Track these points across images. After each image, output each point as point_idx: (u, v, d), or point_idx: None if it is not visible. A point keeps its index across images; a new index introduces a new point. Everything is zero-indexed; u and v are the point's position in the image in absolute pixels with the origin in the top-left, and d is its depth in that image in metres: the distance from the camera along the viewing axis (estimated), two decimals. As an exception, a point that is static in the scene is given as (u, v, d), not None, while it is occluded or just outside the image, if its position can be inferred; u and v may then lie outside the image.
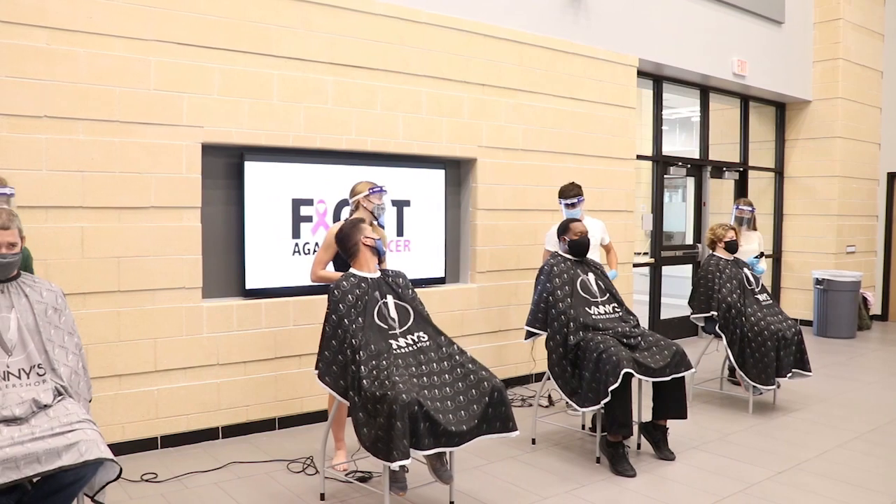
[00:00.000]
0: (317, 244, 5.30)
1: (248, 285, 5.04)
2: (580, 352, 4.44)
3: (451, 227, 6.25)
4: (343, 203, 5.38)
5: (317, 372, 3.64)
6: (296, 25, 5.08)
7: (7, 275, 3.04)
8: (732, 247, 5.93)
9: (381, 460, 3.25)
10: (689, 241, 9.31)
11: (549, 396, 5.87)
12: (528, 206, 6.50)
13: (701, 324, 6.00)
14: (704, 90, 8.97)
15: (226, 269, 5.04)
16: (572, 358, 4.49)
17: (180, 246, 4.68)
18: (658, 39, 7.66)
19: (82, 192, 4.32)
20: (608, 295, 4.79)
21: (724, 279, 5.74)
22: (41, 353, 3.01)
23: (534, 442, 4.88)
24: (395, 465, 3.18)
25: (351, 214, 4.45)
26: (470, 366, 3.64)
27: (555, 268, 4.72)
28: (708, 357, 6.36)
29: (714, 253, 6.00)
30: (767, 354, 5.38)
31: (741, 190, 9.75)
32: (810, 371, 5.64)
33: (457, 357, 3.69)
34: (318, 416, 5.24)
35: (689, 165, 9.06)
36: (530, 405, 5.63)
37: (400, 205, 5.76)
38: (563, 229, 4.86)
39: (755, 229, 6.74)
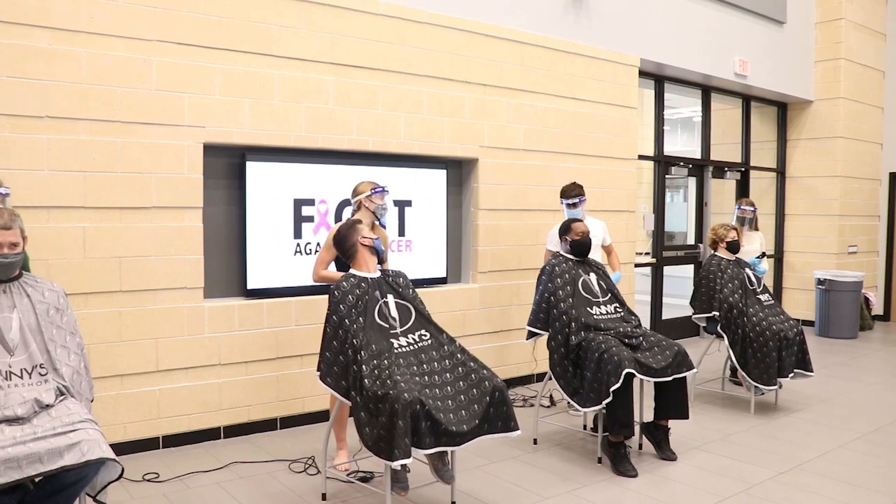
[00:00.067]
0: (318, 244, 5.30)
1: (250, 285, 5.04)
2: (582, 352, 4.44)
3: (453, 227, 6.25)
4: (345, 203, 5.38)
5: (318, 373, 3.64)
6: (297, 25, 5.08)
7: (9, 275, 3.04)
8: (734, 247, 5.93)
9: (383, 460, 3.25)
10: (691, 241, 9.30)
11: (551, 396, 5.87)
12: (529, 206, 6.50)
13: (702, 324, 5.99)
14: (706, 90, 8.97)
15: (227, 269, 5.05)
16: (574, 358, 4.48)
17: (182, 246, 4.68)
18: (659, 39, 7.66)
19: (84, 193, 4.33)
20: (610, 295, 4.78)
21: (725, 279, 5.73)
22: (43, 353, 3.01)
23: (535, 442, 4.88)
24: (397, 464, 3.18)
25: (353, 214, 4.45)
26: (471, 364, 3.64)
27: (556, 268, 4.72)
28: (709, 357, 6.36)
29: (716, 253, 5.99)
30: (769, 355, 5.38)
31: (743, 190, 9.74)
32: (812, 371, 5.63)
33: (458, 356, 3.70)
34: (320, 417, 5.24)
35: (690, 165, 9.05)
36: (532, 405, 5.63)
37: (401, 205, 5.76)
38: (565, 229, 4.85)
39: (757, 229, 6.74)
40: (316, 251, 5.28)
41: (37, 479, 2.74)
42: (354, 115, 5.38)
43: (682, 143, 11.46)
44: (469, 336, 6.05)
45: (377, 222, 4.44)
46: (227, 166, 5.01)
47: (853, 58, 9.77)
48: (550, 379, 4.62)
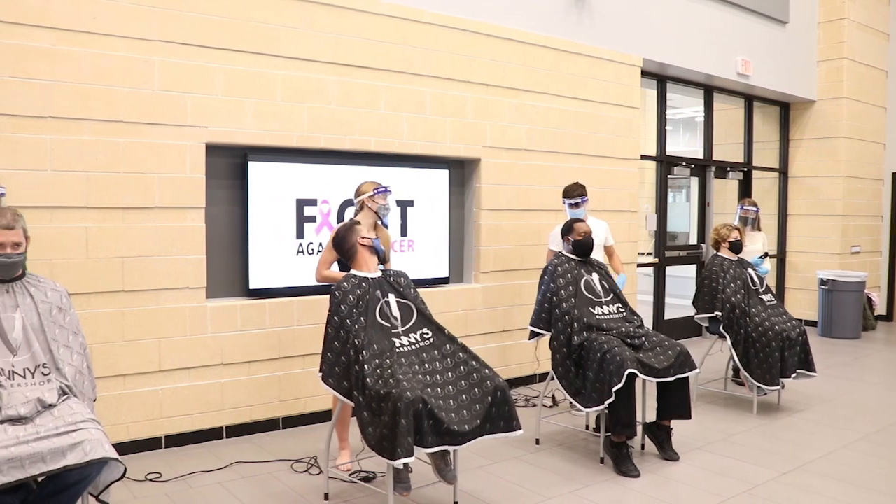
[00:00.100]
0: (320, 244, 5.30)
1: (252, 285, 5.05)
2: (584, 352, 4.43)
3: (455, 228, 6.25)
4: (347, 203, 5.38)
5: (320, 374, 3.64)
6: (299, 25, 5.08)
7: (12, 274, 3.05)
8: (737, 247, 5.92)
9: (386, 459, 3.26)
10: (693, 241, 9.30)
11: (553, 397, 5.87)
12: (531, 206, 6.50)
13: (705, 324, 5.99)
14: (708, 90, 8.96)
15: (230, 269, 5.05)
16: (576, 358, 4.48)
17: (184, 246, 4.68)
18: (662, 39, 7.65)
19: (87, 193, 4.33)
20: (612, 295, 4.78)
21: (728, 279, 5.73)
22: (46, 353, 3.02)
23: (538, 442, 4.88)
24: (400, 463, 3.18)
25: (355, 214, 4.46)
26: (473, 364, 3.64)
27: (559, 268, 4.72)
28: (712, 357, 6.35)
29: (718, 253, 5.99)
30: (772, 355, 5.37)
31: (745, 190, 9.73)
32: (815, 371, 5.63)
33: (460, 355, 3.70)
34: (322, 416, 5.25)
35: (692, 165, 9.04)
36: (534, 405, 5.62)
37: (404, 205, 5.76)
38: (567, 229, 4.85)
39: (759, 230, 6.73)
40: (318, 251, 5.28)
41: (40, 479, 2.75)
42: (357, 115, 5.38)
43: (685, 143, 11.45)
44: (471, 336, 6.05)
45: (379, 222, 4.45)
46: (230, 166, 5.02)
47: (856, 57, 9.75)
48: (553, 379, 4.63)
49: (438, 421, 3.30)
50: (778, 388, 5.51)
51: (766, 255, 6.50)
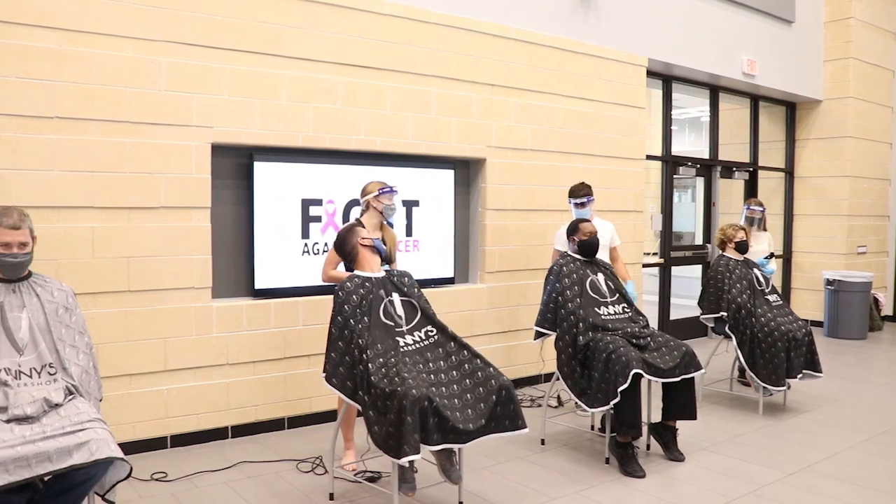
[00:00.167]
0: (326, 244, 5.30)
1: (258, 285, 5.05)
2: (589, 352, 4.43)
3: (461, 227, 6.25)
4: (352, 203, 5.39)
5: (324, 374, 3.65)
6: (304, 26, 5.09)
7: (18, 274, 3.06)
8: (743, 247, 5.91)
9: (392, 457, 3.26)
10: (699, 241, 9.28)
11: (559, 397, 5.87)
12: (537, 206, 6.49)
13: (711, 324, 5.97)
14: (714, 90, 8.94)
15: (235, 269, 5.06)
16: (581, 358, 4.48)
17: (190, 246, 4.69)
18: (667, 39, 7.64)
19: (93, 193, 4.34)
20: (618, 295, 4.77)
21: (733, 280, 5.72)
22: (52, 353, 3.03)
23: (543, 442, 4.88)
24: (406, 461, 3.18)
25: (361, 214, 4.47)
26: (477, 362, 3.64)
27: (564, 268, 4.71)
28: (718, 358, 6.34)
29: (724, 253, 5.98)
30: (778, 355, 5.36)
31: (751, 190, 9.71)
32: (821, 372, 5.61)
33: (464, 353, 3.70)
34: (327, 416, 5.25)
35: (698, 165, 9.03)
36: (539, 406, 5.62)
37: (409, 205, 5.76)
38: (573, 229, 4.85)
39: (765, 230, 6.71)
40: (324, 251, 5.29)
41: (46, 478, 2.75)
42: (362, 115, 5.38)
43: (690, 143, 11.43)
44: (477, 336, 6.05)
45: (385, 222, 4.45)
46: (235, 166, 5.02)
47: (862, 57, 9.72)
48: (558, 379, 4.62)
49: (444, 419, 3.30)
50: (784, 388, 5.50)
51: (771, 255, 6.49)
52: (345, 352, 3.60)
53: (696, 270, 9.09)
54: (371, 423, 3.42)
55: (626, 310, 4.73)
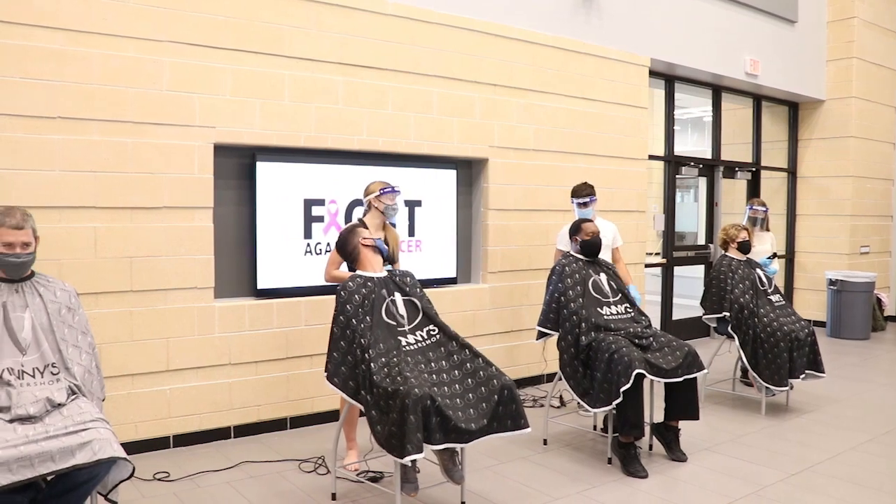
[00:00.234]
0: (328, 244, 5.30)
1: (260, 285, 5.05)
2: (592, 352, 4.43)
3: (463, 228, 6.25)
4: (355, 203, 5.39)
5: (326, 374, 3.65)
6: (306, 25, 5.09)
7: (21, 274, 3.06)
8: (745, 247, 5.90)
9: (395, 457, 3.26)
10: (701, 241, 9.27)
11: (561, 397, 5.86)
12: (539, 206, 6.49)
13: (713, 324, 5.97)
14: (717, 90, 8.93)
15: (238, 269, 5.06)
16: (584, 358, 4.48)
17: (192, 246, 4.69)
18: (670, 39, 7.64)
19: (95, 193, 4.35)
20: (620, 295, 4.77)
21: (736, 280, 5.71)
22: (55, 353, 3.03)
23: (545, 442, 4.87)
24: (409, 460, 3.18)
25: (364, 214, 4.47)
26: (479, 362, 3.65)
27: (566, 268, 4.71)
28: (720, 358, 6.33)
29: (726, 253, 5.97)
30: (780, 355, 5.35)
31: (754, 190, 9.70)
32: (824, 372, 5.60)
33: (466, 352, 3.70)
34: (330, 416, 5.25)
35: (701, 165, 9.02)
36: (542, 406, 5.62)
37: (411, 205, 5.76)
38: (575, 229, 4.84)
39: (768, 230, 6.70)
40: (326, 251, 5.29)
41: (49, 478, 2.76)
42: (364, 115, 5.38)
43: (693, 143, 11.43)
44: (479, 336, 6.05)
45: (388, 222, 4.45)
46: (238, 166, 5.03)
47: (865, 57, 9.70)
48: (560, 379, 4.62)
49: (446, 418, 3.31)
50: (786, 388, 5.49)
51: (774, 255, 6.48)
52: (347, 351, 3.60)
53: (699, 270, 9.08)
54: (374, 423, 3.42)
55: (628, 310, 4.73)
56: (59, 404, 2.90)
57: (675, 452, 4.59)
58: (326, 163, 5.32)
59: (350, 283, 3.72)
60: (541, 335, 4.78)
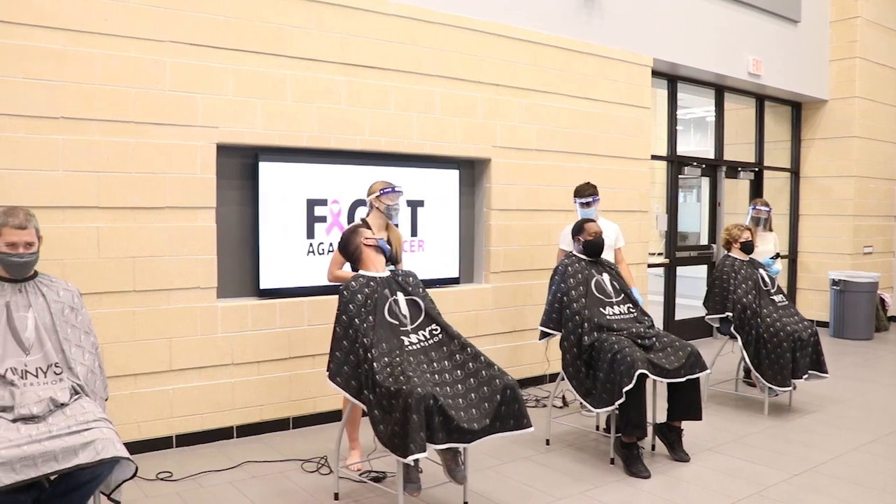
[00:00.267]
0: (331, 244, 5.30)
1: (263, 285, 5.06)
2: (594, 352, 4.42)
3: (465, 228, 6.25)
4: (357, 203, 5.39)
5: (328, 373, 3.65)
6: (308, 26, 5.09)
7: (24, 274, 3.07)
8: (748, 247, 5.90)
9: (398, 456, 3.26)
10: (704, 241, 9.27)
11: (564, 397, 5.86)
12: (542, 206, 6.49)
13: (716, 325, 5.96)
14: (719, 90, 8.93)
15: (240, 269, 5.06)
16: (586, 358, 4.47)
17: (195, 246, 4.70)
18: (673, 39, 7.63)
19: (98, 193, 4.35)
20: (623, 295, 4.77)
21: (739, 280, 5.70)
22: (58, 352, 3.04)
23: (548, 443, 4.87)
24: (412, 459, 3.18)
25: (367, 214, 4.48)
26: (482, 360, 3.65)
27: (569, 268, 4.71)
28: (723, 358, 6.33)
29: (729, 253, 5.96)
30: (783, 356, 5.34)
31: (756, 190, 9.69)
32: (827, 372, 5.59)
33: (468, 350, 3.70)
34: (332, 416, 5.25)
35: (703, 165, 9.01)
36: (544, 406, 5.61)
37: (414, 205, 5.76)
38: (578, 229, 4.84)
39: (771, 230, 6.70)
40: (329, 251, 5.29)
41: (52, 478, 2.76)
42: (366, 115, 5.38)
43: (696, 143, 11.42)
44: (482, 336, 6.05)
45: (390, 222, 4.46)
46: (240, 166, 5.03)
47: (868, 56, 9.69)
48: (563, 379, 4.62)
49: (448, 418, 3.31)
50: (789, 389, 5.48)
51: (777, 255, 6.47)
52: (349, 351, 3.60)
53: (702, 271, 9.08)
54: (376, 423, 3.42)
55: (631, 310, 4.72)
56: (63, 404, 2.91)
57: (677, 453, 4.58)
58: (329, 163, 5.32)
59: (353, 283, 3.72)
60: (543, 335, 4.77)
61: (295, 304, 5.11)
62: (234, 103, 4.80)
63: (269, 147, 5.02)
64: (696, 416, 4.55)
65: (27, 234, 3.00)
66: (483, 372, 3.59)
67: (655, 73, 7.63)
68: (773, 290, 5.82)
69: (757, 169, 9.63)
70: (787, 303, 5.83)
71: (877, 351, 8.38)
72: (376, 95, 5.43)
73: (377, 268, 3.88)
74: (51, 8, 4.17)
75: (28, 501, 2.75)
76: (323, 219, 5.31)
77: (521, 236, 6.37)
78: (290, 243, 5.17)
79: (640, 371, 4.14)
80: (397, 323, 3.72)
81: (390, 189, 4.39)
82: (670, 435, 4.63)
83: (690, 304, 8.48)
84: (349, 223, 5.24)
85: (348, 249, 3.95)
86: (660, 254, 8.46)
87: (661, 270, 8.44)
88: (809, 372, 5.48)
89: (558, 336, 4.67)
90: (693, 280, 9.05)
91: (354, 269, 4.01)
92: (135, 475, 2.88)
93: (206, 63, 4.69)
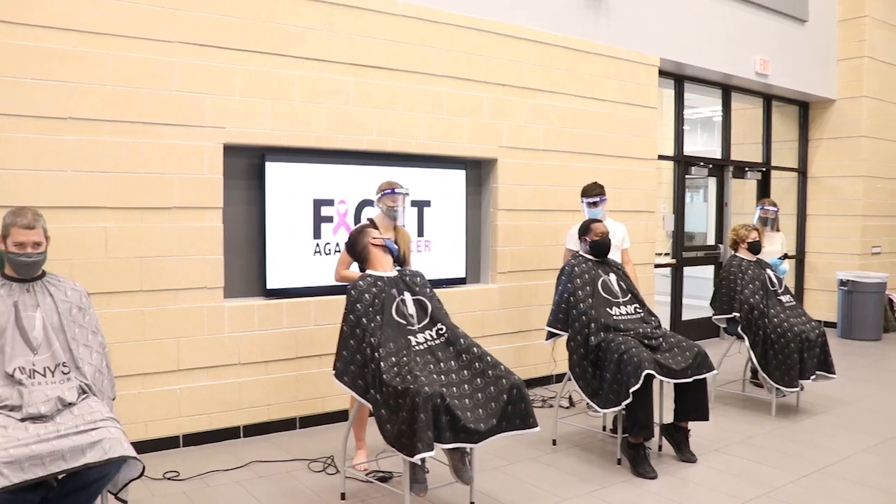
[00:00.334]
0: (338, 245, 5.31)
1: (270, 285, 5.06)
2: (601, 353, 4.42)
3: (472, 228, 6.25)
4: (364, 203, 5.40)
5: (334, 372, 3.65)
6: (316, 26, 5.10)
7: (32, 274, 3.08)
8: (755, 248, 5.88)
9: (406, 455, 3.26)
10: (711, 241, 9.25)
11: (570, 397, 5.85)
12: (548, 206, 6.48)
13: (723, 325, 5.94)
14: (726, 89, 8.90)
15: (247, 269, 5.07)
16: (593, 359, 4.47)
17: (202, 246, 4.71)
18: (679, 39, 7.61)
19: (106, 193, 4.37)
20: (630, 295, 4.76)
21: (746, 280, 5.69)
22: (66, 352, 3.05)
23: (554, 443, 4.87)
24: (419, 458, 3.18)
25: (377, 215, 4.49)
26: (489, 360, 3.64)
27: (576, 268, 4.71)
28: (730, 359, 6.31)
29: (736, 254, 5.95)
30: (790, 356, 5.32)
31: (764, 190, 9.66)
32: (834, 373, 5.57)
33: (475, 350, 3.69)
34: (339, 416, 5.26)
35: (710, 165, 8.99)
36: (551, 406, 5.61)
37: (420, 205, 5.76)
38: (585, 230, 4.84)
39: (778, 230, 6.67)
40: (335, 252, 5.30)
41: (60, 477, 2.77)
42: (374, 115, 5.39)
43: (703, 143, 11.39)
44: (488, 336, 6.04)
45: (395, 222, 4.46)
46: (248, 167, 5.04)
47: (877, 55, 9.64)
48: (570, 380, 4.61)
49: (455, 418, 3.31)
50: (797, 389, 5.47)
51: (785, 255, 6.45)
52: (356, 350, 3.61)
53: (709, 271, 9.06)
54: (383, 422, 3.43)
55: (638, 310, 4.72)
56: (70, 403, 2.92)
57: (684, 453, 4.58)
58: (336, 163, 5.32)
59: (360, 283, 3.72)
60: (550, 335, 4.77)
61: (302, 304, 5.12)
62: (242, 104, 4.81)
63: (277, 147, 5.03)
64: (703, 416, 4.54)
65: (35, 233, 3.01)
66: (490, 372, 3.58)
67: (662, 73, 7.62)
68: (780, 291, 5.80)
69: (764, 169, 9.60)
70: (794, 303, 5.82)
71: (885, 352, 8.34)
72: (384, 96, 5.43)
73: (384, 267, 3.88)
74: (61, 9, 4.18)
75: (36, 500, 2.76)
76: (330, 219, 5.32)
77: (527, 236, 6.36)
78: (296, 243, 5.17)
79: (646, 371, 4.14)
80: (404, 322, 3.72)
81: (390, 191, 4.40)
82: (677, 435, 4.62)
83: (697, 304, 8.46)
84: (356, 223, 5.25)
85: (356, 249, 3.96)
86: (666, 254, 8.44)
87: (667, 271, 8.43)
88: (817, 373, 5.46)
89: (565, 336, 4.67)
90: (700, 280, 9.03)
91: (362, 268, 4.02)
92: (142, 474, 2.89)
93: (215, 64, 4.70)
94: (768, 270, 5.86)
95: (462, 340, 3.75)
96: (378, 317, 3.64)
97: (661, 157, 7.78)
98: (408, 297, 3.82)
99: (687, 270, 8.62)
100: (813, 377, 5.43)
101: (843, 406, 5.89)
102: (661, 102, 8.05)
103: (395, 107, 5.49)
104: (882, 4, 9.68)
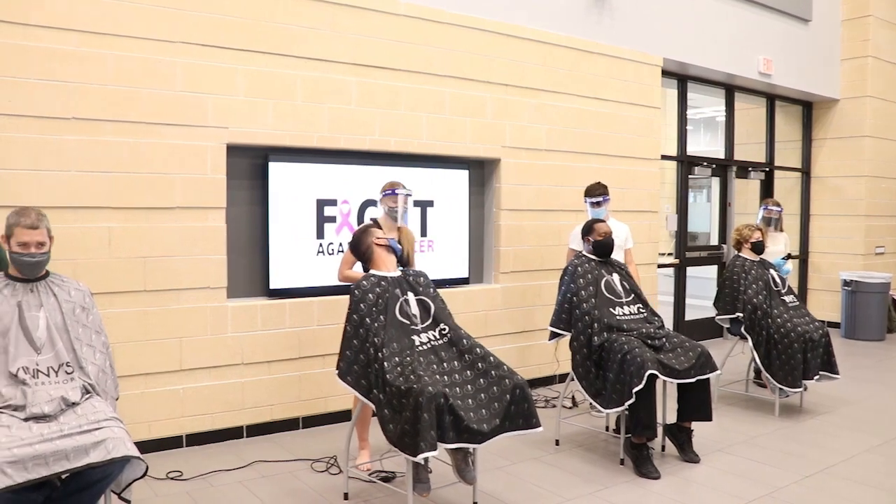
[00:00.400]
0: (340, 245, 5.31)
1: (273, 285, 5.07)
2: (604, 353, 4.41)
3: (475, 228, 6.24)
4: (367, 203, 5.40)
5: (337, 371, 3.65)
6: (319, 26, 5.10)
7: (36, 274, 3.08)
8: (759, 248, 5.87)
9: (409, 455, 3.26)
10: (714, 241, 9.23)
11: (573, 397, 5.85)
12: (551, 206, 6.48)
13: (726, 325, 5.94)
14: (730, 89, 8.89)
15: (250, 269, 5.08)
16: (596, 359, 4.46)
17: (206, 246, 4.71)
18: (683, 39, 7.60)
19: (109, 193, 4.37)
20: (633, 295, 4.76)
21: (749, 280, 5.68)
22: (69, 352, 3.05)
23: (557, 443, 4.86)
24: (422, 457, 3.18)
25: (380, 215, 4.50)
26: (492, 360, 3.64)
27: (579, 268, 4.70)
28: (733, 359, 6.30)
29: (740, 254, 5.94)
30: (794, 356, 5.31)
31: (767, 190, 9.64)
32: (838, 373, 5.56)
33: (477, 350, 3.69)
34: (342, 416, 5.26)
35: (714, 165, 8.98)
36: (554, 406, 5.61)
37: (423, 205, 5.76)
38: (588, 230, 4.83)
39: (782, 230, 6.66)
40: (339, 252, 5.30)
41: (63, 476, 2.77)
42: (377, 115, 5.39)
43: (706, 143, 11.38)
44: (491, 336, 6.04)
45: (395, 223, 4.46)
46: (250, 167, 5.04)
47: (881, 55, 9.62)
48: (573, 380, 4.61)
49: (458, 418, 3.31)
50: (800, 390, 5.45)
51: (788, 255, 6.44)
52: (359, 350, 3.61)
53: (712, 271, 9.05)
54: (386, 422, 3.42)
55: (641, 310, 4.71)
56: (74, 403, 2.92)
57: (687, 454, 4.57)
58: (339, 163, 5.32)
59: (364, 283, 3.73)
60: (553, 335, 4.77)
61: (305, 304, 5.12)
62: (244, 104, 4.82)
63: (280, 147, 5.03)
64: (707, 416, 4.53)
65: (39, 233, 3.02)
66: (493, 372, 3.58)
67: (665, 73, 7.61)
68: (783, 291, 5.79)
69: (767, 169, 9.58)
70: (798, 303, 5.81)
71: (889, 352, 8.32)
72: (387, 96, 5.43)
73: (388, 267, 3.88)
74: (62, 9, 4.19)
75: (39, 500, 2.76)
76: (332, 219, 5.32)
77: (530, 236, 6.36)
78: (299, 243, 5.18)
79: (650, 372, 4.13)
80: (408, 323, 3.72)
81: (391, 191, 4.40)
82: (680, 436, 4.62)
83: (700, 304, 8.45)
84: (359, 223, 5.25)
85: (359, 249, 3.95)
86: (670, 254, 8.43)
87: (671, 271, 8.42)
88: (820, 373, 5.45)
89: (568, 336, 4.67)
90: (703, 280, 9.02)
91: (365, 269, 4.01)
92: (145, 474, 2.89)
93: (217, 64, 4.71)
94: (772, 270, 5.85)
95: (465, 341, 3.75)
96: (381, 317, 3.64)
97: (664, 157, 7.77)
98: (411, 297, 3.82)
99: (690, 270, 8.61)
100: (816, 377, 5.42)
101: (846, 406, 5.88)
102: (665, 102, 8.04)
103: (397, 107, 5.49)
104: (886, 4, 9.66)
